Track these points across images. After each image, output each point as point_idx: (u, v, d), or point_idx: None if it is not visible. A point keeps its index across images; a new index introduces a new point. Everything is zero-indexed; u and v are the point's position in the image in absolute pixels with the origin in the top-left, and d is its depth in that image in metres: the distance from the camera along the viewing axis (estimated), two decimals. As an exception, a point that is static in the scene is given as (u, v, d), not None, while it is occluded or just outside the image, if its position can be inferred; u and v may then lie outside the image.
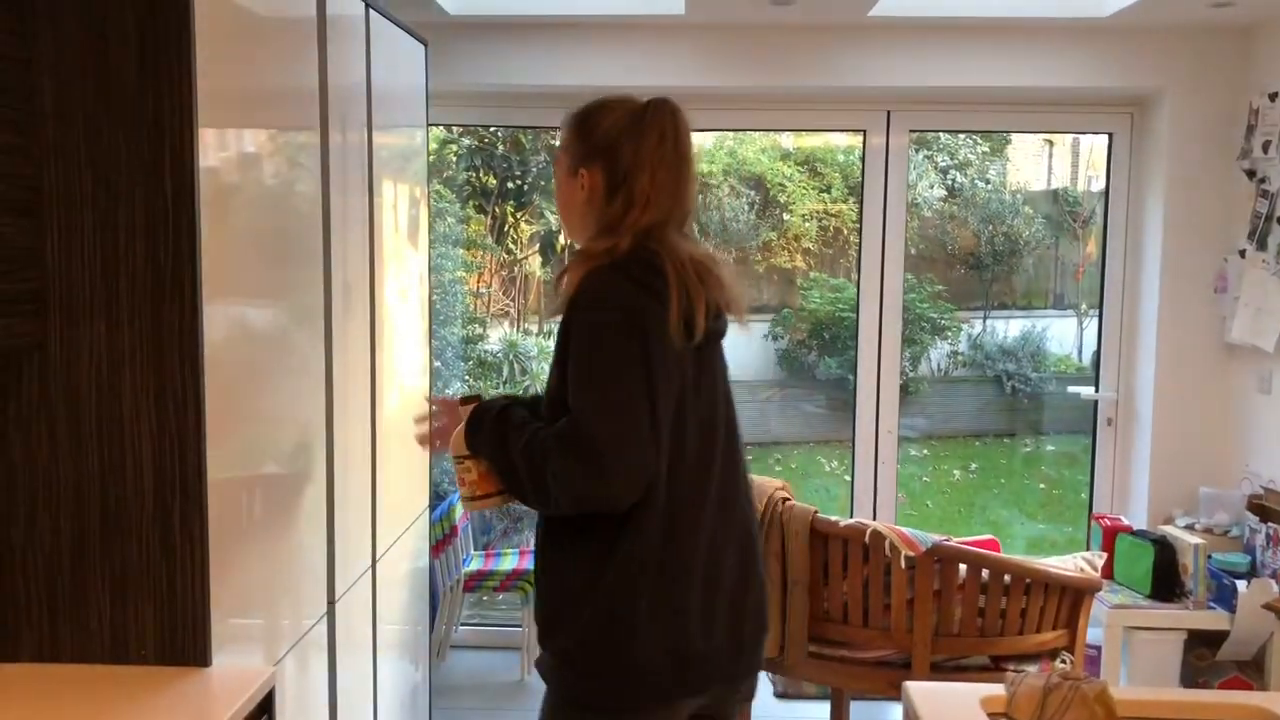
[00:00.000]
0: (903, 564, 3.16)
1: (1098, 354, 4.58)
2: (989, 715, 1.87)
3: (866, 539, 3.20)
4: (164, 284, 1.93)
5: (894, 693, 3.32)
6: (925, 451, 8.02)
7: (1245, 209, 4.05)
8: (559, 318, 1.90)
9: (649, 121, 1.96)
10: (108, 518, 1.96)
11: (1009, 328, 8.02)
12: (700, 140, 7.53)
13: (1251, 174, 3.99)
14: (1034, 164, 8.43)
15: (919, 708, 1.87)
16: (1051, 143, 8.08)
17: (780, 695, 4.27)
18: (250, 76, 2.19)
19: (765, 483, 3.38)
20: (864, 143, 4.47)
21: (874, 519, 4.43)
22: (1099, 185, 7.74)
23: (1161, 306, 4.23)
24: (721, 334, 2.02)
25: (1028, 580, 3.20)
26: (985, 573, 3.19)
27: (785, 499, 3.36)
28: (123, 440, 1.95)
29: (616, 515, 1.84)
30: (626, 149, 1.95)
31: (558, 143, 2.09)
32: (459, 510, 4.51)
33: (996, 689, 1.94)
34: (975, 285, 8.03)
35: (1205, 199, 4.17)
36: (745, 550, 1.99)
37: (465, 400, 2.07)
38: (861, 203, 4.52)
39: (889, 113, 4.41)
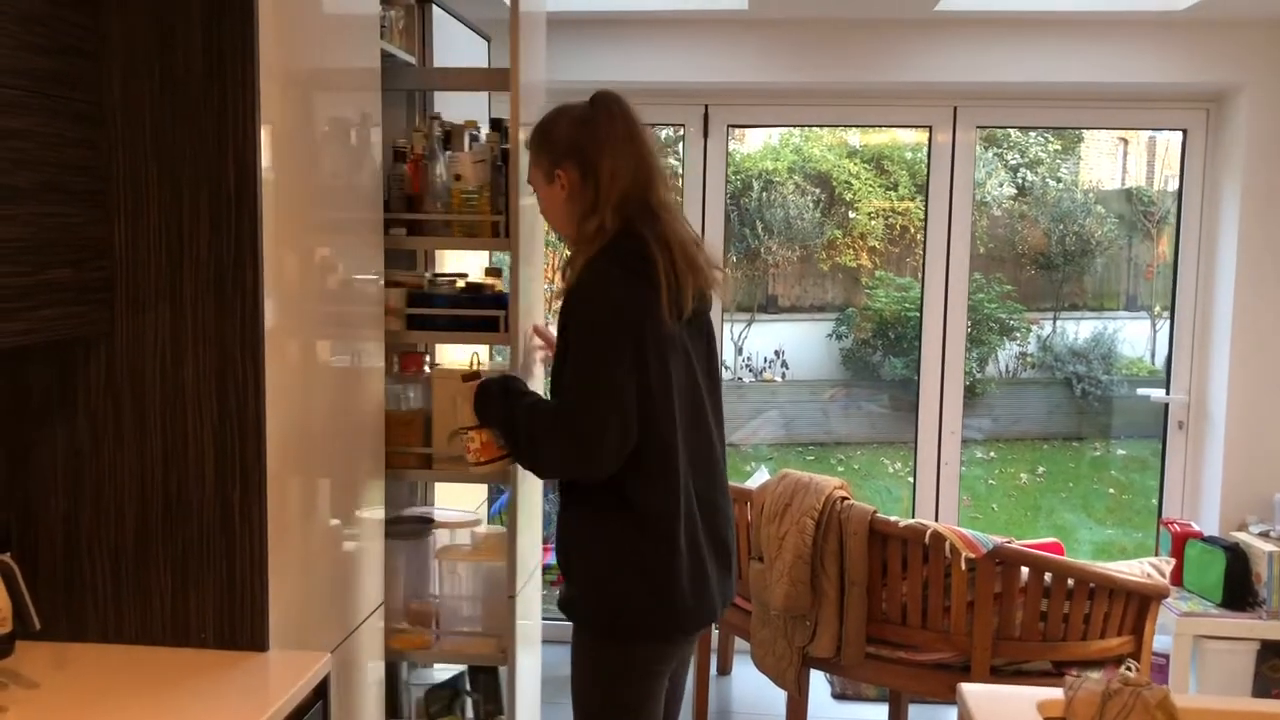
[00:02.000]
0: (963, 566, 3.12)
1: (1169, 356, 4.47)
2: (1045, 719, 1.84)
3: (926, 540, 3.16)
4: (226, 273, 1.96)
5: (952, 696, 3.25)
6: (992, 454, 7.91)
7: (1325, 208, 3.93)
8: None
9: (598, 111, 2.21)
10: (170, 503, 2.00)
11: (1079, 329, 7.90)
12: (765, 137, 7.52)
13: (1333, 171, 3.87)
14: (1108, 162, 8.27)
15: (974, 711, 1.84)
16: (1126, 140, 7.93)
17: (838, 696, 4.23)
18: (313, 71, 2.22)
19: (824, 481, 3.36)
20: (930, 139, 4.41)
21: (936, 521, 4.40)
22: (1174, 184, 7.60)
23: (1236, 308, 4.12)
24: (705, 312, 2.29)
25: (1091, 585, 3.14)
26: (1048, 576, 3.13)
27: (844, 498, 3.33)
28: (185, 427, 1.99)
29: (637, 488, 2.14)
30: (586, 139, 2.19)
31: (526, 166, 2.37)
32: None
33: (1054, 693, 1.90)
34: (1045, 285, 7.89)
35: (1283, 197, 4.05)
36: (727, 503, 2.32)
37: (466, 378, 2.38)
38: (927, 200, 4.46)
39: (955, 109, 4.35)
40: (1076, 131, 7.77)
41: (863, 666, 3.30)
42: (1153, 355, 7.92)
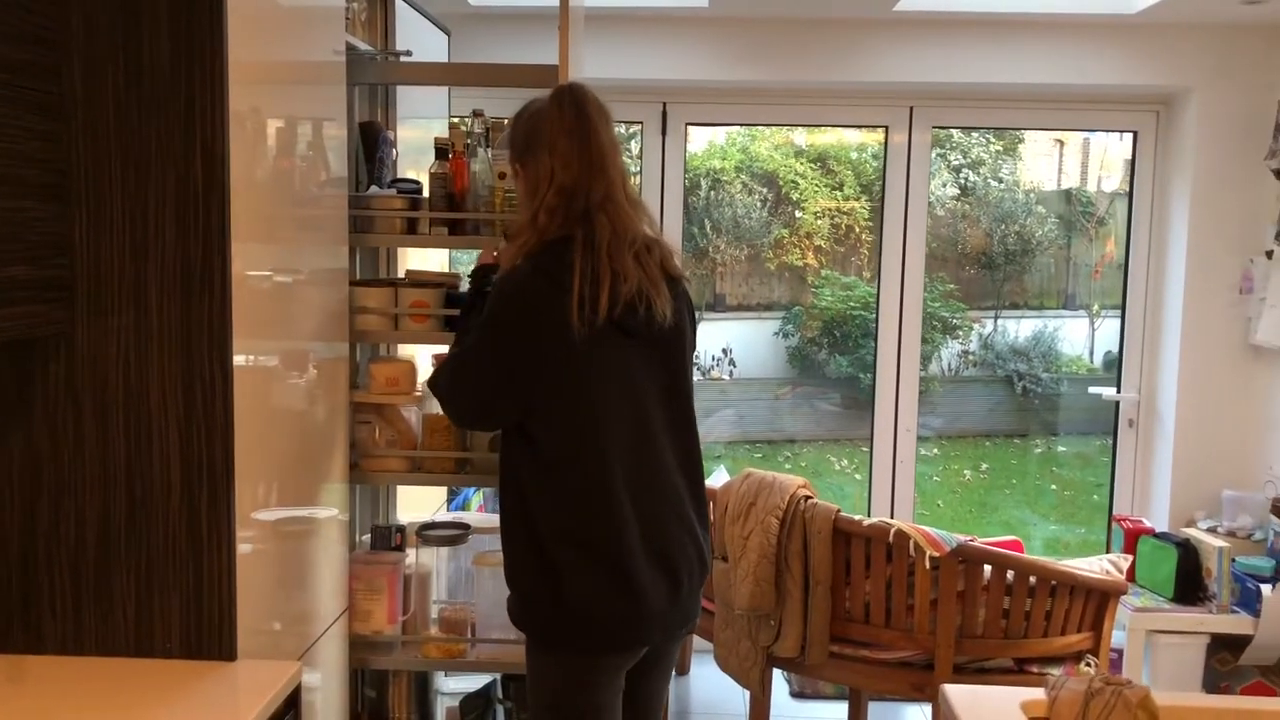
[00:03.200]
0: (927, 564, 3.13)
1: (1120, 355, 4.53)
2: (1029, 719, 1.84)
3: (890, 538, 3.17)
4: (193, 271, 1.90)
5: (916, 694, 3.29)
6: (936, 451, 7.99)
7: (1272, 209, 4.00)
8: None
9: (549, 105, 2.15)
10: (134, 508, 1.93)
11: (1020, 328, 8.00)
12: (713, 136, 7.52)
13: (1279, 174, 3.94)
14: (1045, 164, 8.39)
15: (959, 712, 1.84)
16: (1062, 142, 8.02)
17: (796, 694, 4.23)
18: (280, 64, 2.16)
19: (787, 480, 3.35)
20: (886, 139, 4.43)
21: (892, 518, 4.42)
22: (1110, 185, 7.73)
23: (1185, 307, 4.19)
24: (660, 321, 2.12)
25: (1053, 582, 3.16)
26: (1010, 574, 3.15)
27: (808, 497, 3.32)
28: (150, 430, 1.92)
29: (545, 492, 2.10)
30: (533, 134, 2.15)
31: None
32: (474, 504, 4.48)
33: (1036, 693, 1.91)
34: (987, 285, 8.00)
35: (1231, 199, 4.13)
36: (679, 520, 2.19)
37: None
38: (883, 200, 4.48)
39: (912, 109, 4.37)
40: (1018, 133, 7.87)
41: (827, 666, 3.29)
42: (1091, 354, 8.05)
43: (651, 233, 2.18)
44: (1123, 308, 4.50)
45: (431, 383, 2.25)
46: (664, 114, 4.36)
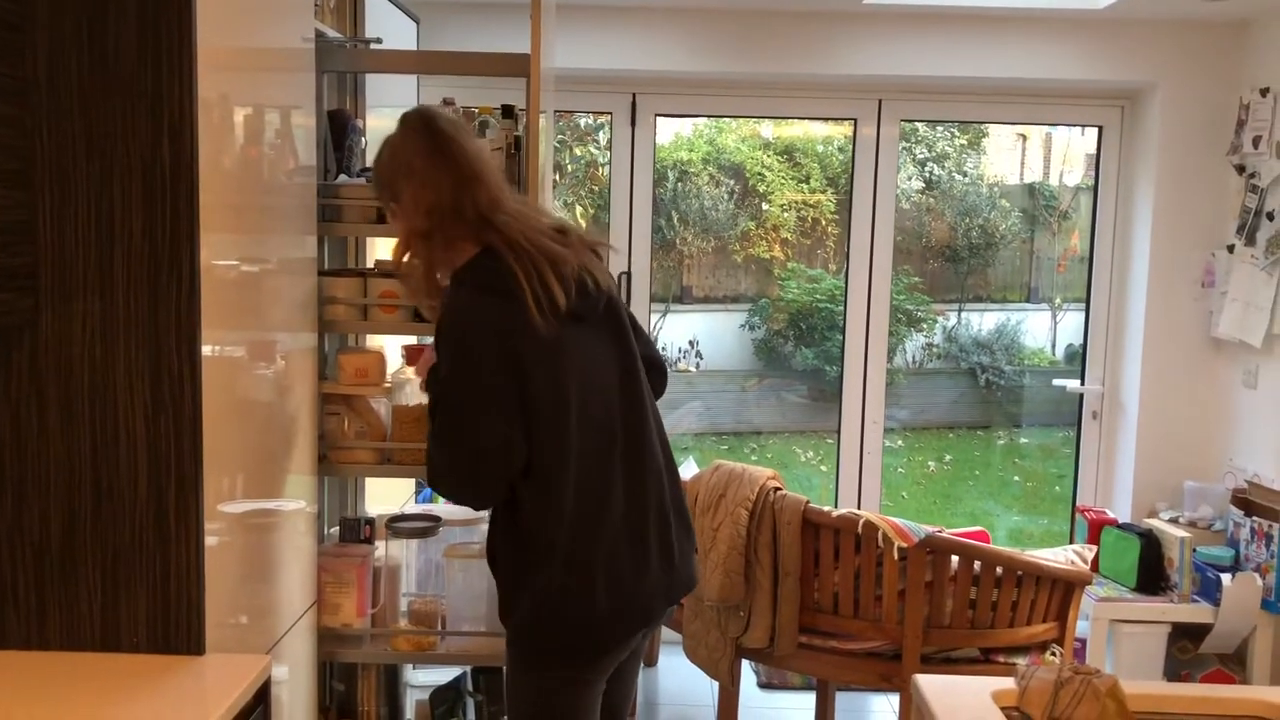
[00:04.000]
0: (895, 555, 3.14)
1: (1083, 348, 4.58)
2: (1001, 709, 1.85)
3: (859, 529, 3.18)
4: (161, 259, 1.87)
5: (884, 684, 3.30)
6: (900, 442, 8.04)
7: (1234, 204, 4.05)
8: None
9: (400, 132, 2.11)
10: (100, 499, 1.90)
11: (983, 320, 8.04)
12: (680, 128, 7.51)
13: (1241, 169, 4.00)
14: (1008, 158, 8.45)
15: (931, 702, 1.85)
16: (1025, 136, 8.03)
17: (764, 685, 4.25)
18: (248, 50, 2.13)
19: (757, 473, 3.35)
20: (855, 132, 4.44)
21: (859, 510, 4.44)
22: (1072, 180, 7.78)
23: (1149, 300, 4.23)
24: (600, 299, 2.10)
25: (1019, 573, 3.19)
26: (977, 564, 3.17)
27: (777, 488, 3.33)
28: (116, 420, 1.89)
29: (525, 510, 2.04)
30: (395, 167, 2.10)
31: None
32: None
33: (1006, 683, 1.92)
34: (951, 278, 8.03)
35: (1194, 193, 4.17)
36: (662, 513, 2.15)
37: (409, 354, 2.39)
38: (851, 193, 4.49)
39: (880, 101, 4.38)
40: (982, 127, 7.91)
41: (796, 656, 3.30)
42: (1054, 346, 8.10)
43: (552, 218, 2.16)
44: (1087, 301, 4.54)
45: (433, 479, 2.08)
46: (633, 105, 4.35)
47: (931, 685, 1.89)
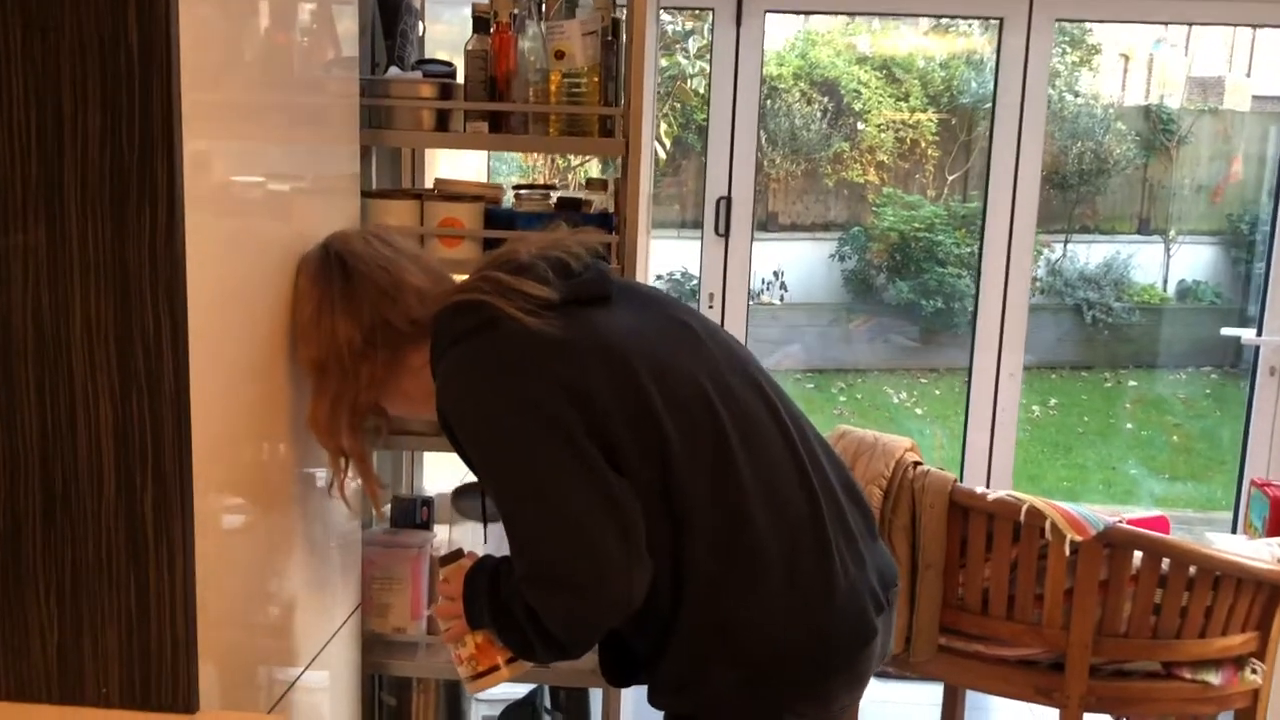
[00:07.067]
0: (1066, 550, 2.62)
1: (1264, 291, 3.95)
2: None
3: (1021, 517, 2.66)
4: (128, 176, 1.34)
5: (1040, 698, 2.82)
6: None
7: None
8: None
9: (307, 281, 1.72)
10: (52, 504, 1.40)
11: (1090, 253, 7.64)
12: (770, 43, 7.05)
13: None
14: (1110, 79, 7.89)
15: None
16: (1128, 57, 7.62)
17: (878, 674, 3.75)
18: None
19: (892, 443, 2.85)
20: (1000, 34, 3.81)
21: (988, 479, 3.90)
22: (1178, 103, 7.17)
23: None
24: (601, 284, 1.63)
25: (1217, 573, 2.65)
26: (1166, 563, 2.64)
27: (916, 462, 2.82)
28: (73, 396, 1.38)
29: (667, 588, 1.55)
30: (316, 318, 1.69)
31: None
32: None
33: None
34: (1057, 207, 7.58)
35: None
36: (821, 541, 1.64)
37: (445, 560, 1.71)
38: (994, 108, 3.88)
39: (1032, -2, 3.74)
40: (1096, 44, 7.37)
41: (934, 662, 2.84)
42: (1165, 283, 7.72)
43: None
44: (1271, 237, 3.90)
45: (565, 643, 1.55)
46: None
47: None
